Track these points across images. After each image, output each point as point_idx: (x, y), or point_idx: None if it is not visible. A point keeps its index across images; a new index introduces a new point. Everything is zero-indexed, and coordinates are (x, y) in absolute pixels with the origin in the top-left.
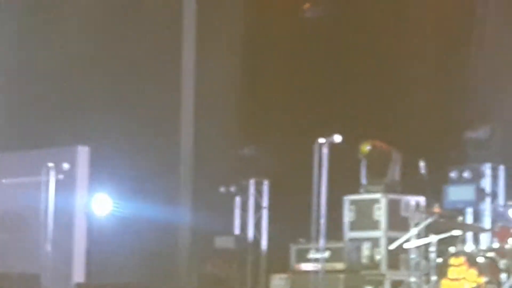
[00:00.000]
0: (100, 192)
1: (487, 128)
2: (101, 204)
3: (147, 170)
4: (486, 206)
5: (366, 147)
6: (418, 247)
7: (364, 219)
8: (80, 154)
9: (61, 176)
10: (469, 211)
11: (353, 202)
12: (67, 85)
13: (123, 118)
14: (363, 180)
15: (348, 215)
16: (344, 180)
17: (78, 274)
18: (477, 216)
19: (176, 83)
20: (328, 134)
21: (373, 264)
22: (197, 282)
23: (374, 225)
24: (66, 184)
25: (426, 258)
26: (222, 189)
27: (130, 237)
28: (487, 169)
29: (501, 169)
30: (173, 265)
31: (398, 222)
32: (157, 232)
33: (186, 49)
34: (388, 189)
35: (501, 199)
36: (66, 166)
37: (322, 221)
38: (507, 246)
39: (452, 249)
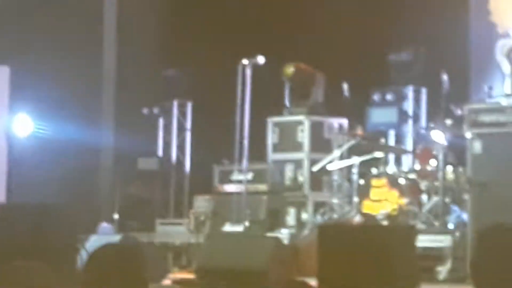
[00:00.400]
0: (21, 113)
1: (410, 50)
2: (22, 125)
3: (69, 90)
4: (409, 128)
5: (290, 69)
6: (340, 169)
7: (287, 141)
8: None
9: None
10: (392, 133)
11: (276, 124)
12: None
13: (44, 38)
14: (287, 102)
15: (271, 137)
16: (267, 102)
17: None
18: (399, 138)
19: (98, 2)
20: (251, 55)
21: (296, 186)
22: (119, 204)
23: (297, 147)
24: None
25: (349, 179)
26: (145, 111)
27: (52, 158)
28: (409, 91)
29: (424, 92)
30: (95, 186)
31: (321, 144)
32: (79, 153)
33: None
34: (311, 111)
35: (423, 121)
36: None
37: (245, 142)
38: (428, 168)
39: (374, 171)
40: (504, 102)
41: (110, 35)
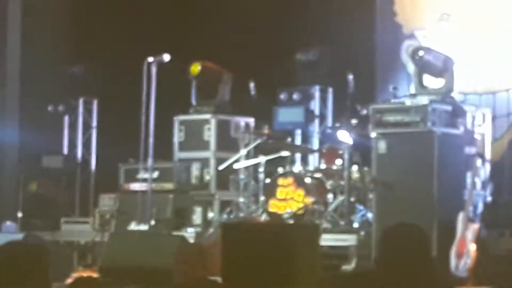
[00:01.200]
0: None
1: (316, 50)
2: None
3: None
4: (315, 127)
5: (196, 68)
6: (247, 168)
7: (194, 140)
8: None
9: None
10: (298, 132)
11: (183, 122)
12: None
13: None
14: (193, 101)
15: (177, 135)
16: (174, 100)
17: None
18: (305, 138)
19: (3, 0)
20: (157, 53)
21: (203, 185)
22: (23, 202)
23: (204, 146)
24: None
25: (255, 178)
26: (50, 108)
27: None
28: (316, 91)
29: (330, 92)
30: None
31: (227, 143)
32: None
33: None
34: (218, 110)
35: (329, 121)
36: None
37: (151, 141)
38: (334, 167)
39: (280, 170)
40: (408, 102)
41: (15, 31)
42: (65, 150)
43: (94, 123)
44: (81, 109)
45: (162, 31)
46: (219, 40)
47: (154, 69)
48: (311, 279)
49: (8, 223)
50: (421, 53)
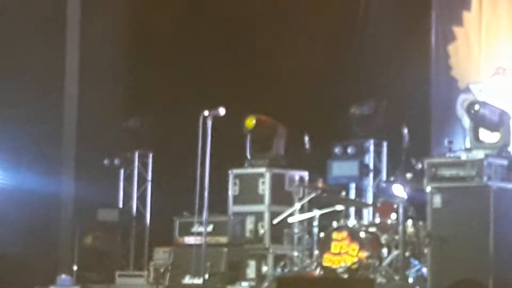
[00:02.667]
0: None
1: (371, 104)
2: None
3: (30, 140)
4: (369, 181)
5: (251, 121)
6: (301, 222)
7: (249, 193)
8: None
9: None
10: (352, 186)
11: (237, 176)
12: None
13: (4, 86)
14: (248, 154)
15: (232, 189)
16: (229, 154)
17: None
18: (360, 192)
19: (60, 52)
20: (213, 107)
21: (257, 238)
22: (78, 255)
23: (258, 199)
24: None
25: (309, 232)
26: (106, 161)
27: (11, 208)
28: (370, 145)
29: (384, 145)
30: (55, 237)
31: (282, 197)
32: (39, 203)
33: (71, 18)
34: (272, 164)
35: (384, 175)
36: None
37: (206, 194)
38: (388, 221)
39: (334, 224)
40: (464, 156)
41: (72, 84)
42: (120, 203)
43: (149, 176)
44: (136, 162)
45: (218, 85)
46: (274, 94)
47: (209, 123)
48: None
49: (64, 276)
50: (476, 107)
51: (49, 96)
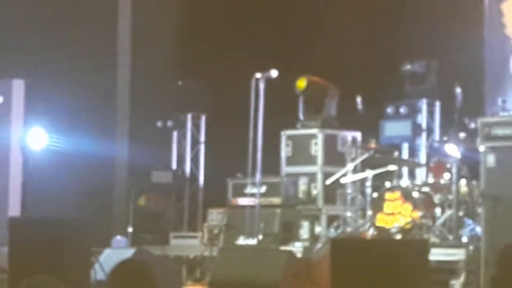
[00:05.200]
0: (35, 126)
1: (423, 62)
2: (36, 138)
3: (83, 104)
4: (422, 141)
5: (302, 82)
6: (354, 182)
7: (301, 154)
8: (15, 88)
9: None
10: (405, 146)
11: (290, 137)
12: (1, 18)
13: (58, 51)
14: (300, 115)
15: (285, 150)
16: (281, 115)
17: (14, 208)
18: (412, 152)
19: (113, 16)
20: (265, 68)
21: (310, 199)
22: (133, 217)
23: (311, 160)
24: (0, 118)
25: (362, 193)
26: (159, 124)
27: (66, 172)
28: (423, 104)
29: (437, 105)
30: (109, 200)
31: (334, 157)
32: (94, 166)
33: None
34: (324, 124)
35: (436, 135)
36: (0, 99)
37: (259, 156)
38: (441, 181)
39: (387, 184)
40: None
41: (124, 48)
42: (174, 165)
43: (202, 138)
44: (189, 124)
45: (270, 47)
46: (326, 55)
47: (262, 85)
48: None
49: (119, 237)
50: None
51: (103, 59)
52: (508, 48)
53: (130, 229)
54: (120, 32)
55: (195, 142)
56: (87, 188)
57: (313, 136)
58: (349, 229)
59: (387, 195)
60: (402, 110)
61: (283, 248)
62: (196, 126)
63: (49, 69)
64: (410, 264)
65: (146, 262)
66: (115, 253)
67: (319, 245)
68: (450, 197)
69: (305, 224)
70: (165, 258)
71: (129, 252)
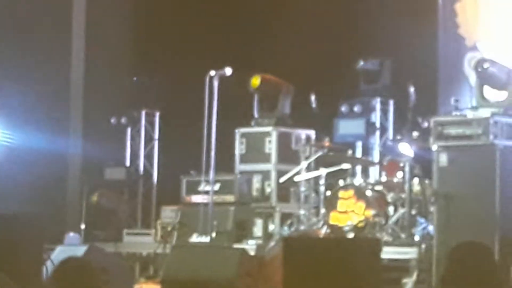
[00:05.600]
0: None
1: (377, 60)
2: None
3: (37, 98)
4: (376, 140)
5: (256, 80)
6: (308, 180)
7: (255, 152)
8: None
9: None
10: (359, 144)
11: (244, 135)
12: None
13: (11, 44)
14: (255, 113)
15: (239, 148)
16: (235, 113)
17: None
18: (366, 150)
19: (67, 10)
20: (219, 66)
21: (264, 197)
22: (86, 214)
23: (265, 158)
24: None
25: (316, 191)
26: (113, 120)
27: (19, 167)
28: (377, 103)
29: (391, 104)
30: (63, 196)
31: (288, 155)
32: (47, 162)
33: None
34: (279, 122)
35: (390, 133)
36: None
37: (213, 153)
38: (395, 180)
39: (341, 182)
40: (470, 115)
41: (79, 43)
42: (128, 162)
43: (156, 135)
44: (143, 121)
45: (224, 44)
46: (280, 53)
47: (216, 82)
48: None
49: (72, 234)
50: (485, 65)
51: (56, 54)
52: (461, 48)
53: (82, 226)
54: (74, 27)
55: (149, 139)
56: (40, 184)
57: (267, 134)
58: (302, 227)
59: (341, 194)
60: (356, 108)
61: (236, 246)
62: (150, 123)
63: (2, 64)
64: (362, 263)
65: (91, 260)
66: (67, 250)
67: (272, 243)
68: (403, 195)
69: (259, 222)
70: (117, 256)
71: (81, 249)
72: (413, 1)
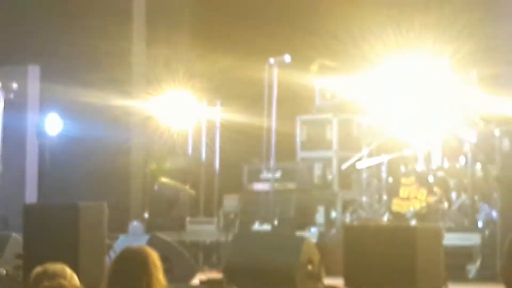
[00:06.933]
0: (51, 112)
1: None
2: (52, 124)
3: (99, 89)
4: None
5: (315, 67)
6: (369, 167)
7: (316, 139)
8: (30, 73)
9: (11, 96)
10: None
11: (305, 122)
12: (16, 3)
13: (73, 37)
14: (316, 101)
15: (300, 135)
16: (297, 101)
17: (31, 195)
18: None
19: (128, 2)
20: (279, 54)
21: (325, 184)
22: (148, 203)
23: (326, 145)
24: (16, 104)
25: (378, 177)
26: None
27: (82, 158)
28: None
29: None
30: (126, 185)
31: (350, 142)
32: (110, 151)
33: None
34: (340, 109)
35: (453, 118)
36: (15, 85)
37: (273, 141)
38: (457, 165)
39: (403, 169)
40: None
41: (140, 32)
42: (190, 150)
43: (218, 123)
44: (204, 109)
45: (283, 32)
46: (342, 39)
47: (275, 70)
48: (435, 281)
49: (135, 223)
50: None
51: (118, 44)
52: None
53: (146, 215)
54: (134, 14)
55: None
56: (103, 173)
57: (328, 121)
58: (364, 214)
59: (403, 180)
60: None
61: (298, 233)
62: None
63: (64, 54)
64: (424, 252)
65: (152, 249)
66: (130, 239)
67: (334, 231)
68: (466, 181)
69: (321, 209)
70: (180, 244)
71: (143, 238)
72: None
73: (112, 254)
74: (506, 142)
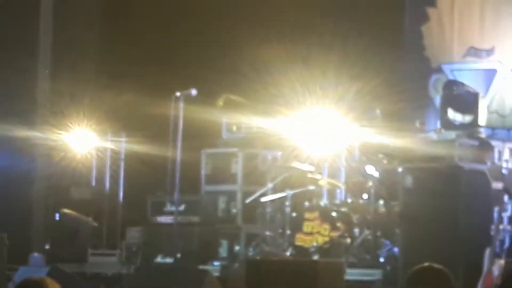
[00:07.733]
0: None
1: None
2: None
3: (2, 121)
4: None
5: (221, 101)
6: (273, 201)
7: (221, 173)
8: None
9: None
10: (325, 166)
11: (210, 156)
12: None
13: None
14: (223, 134)
15: (204, 168)
16: (201, 134)
17: None
18: (333, 171)
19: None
20: (185, 87)
21: (229, 218)
22: (51, 234)
23: (231, 179)
24: None
25: (282, 212)
26: None
27: None
28: None
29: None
30: (28, 215)
31: (255, 176)
32: (12, 182)
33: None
34: (245, 143)
35: (356, 155)
36: None
37: (178, 174)
38: (360, 201)
39: (306, 204)
40: (435, 137)
41: (44, 68)
42: (93, 181)
43: (123, 155)
44: (109, 141)
45: (190, 66)
46: (246, 74)
47: (181, 104)
48: None
49: (36, 254)
50: (452, 87)
51: (22, 77)
52: (427, 70)
53: (47, 246)
54: (41, 27)
55: (115, 159)
56: (5, 203)
57: (234, 154)
58: (268, 248)
59: (306, 215)
60: None
61: (201, 267)
62: (116, 143)
63: None
64: (325, 285)
65: (50, 281)
66: (30, 271)
67: (236, 265)
68: (368, 217)
69: (224, 243)
70: (80, 276)
71: (43, 270)
72: (379, 22)
73: (11, 286)
74: (408, 179)
